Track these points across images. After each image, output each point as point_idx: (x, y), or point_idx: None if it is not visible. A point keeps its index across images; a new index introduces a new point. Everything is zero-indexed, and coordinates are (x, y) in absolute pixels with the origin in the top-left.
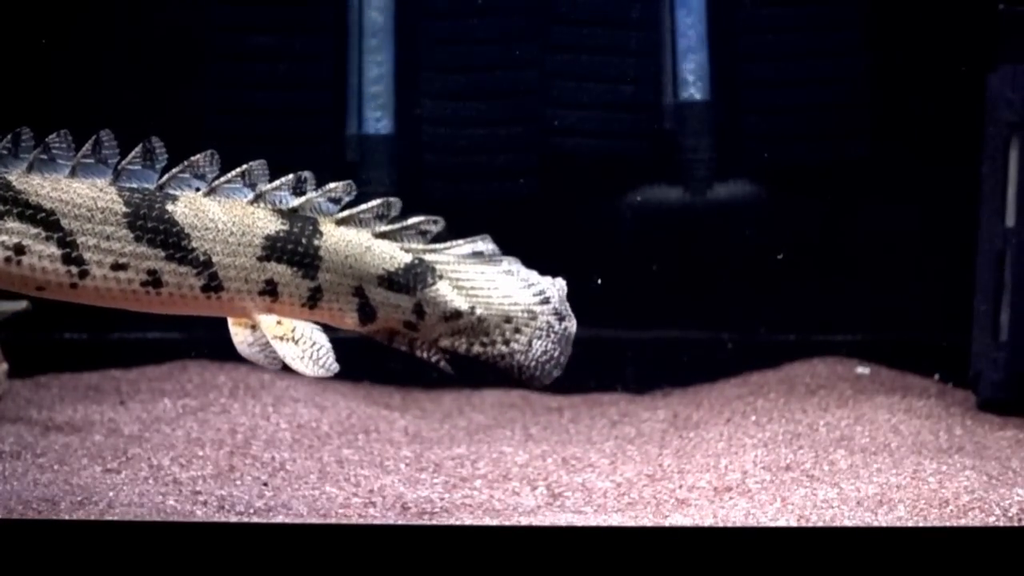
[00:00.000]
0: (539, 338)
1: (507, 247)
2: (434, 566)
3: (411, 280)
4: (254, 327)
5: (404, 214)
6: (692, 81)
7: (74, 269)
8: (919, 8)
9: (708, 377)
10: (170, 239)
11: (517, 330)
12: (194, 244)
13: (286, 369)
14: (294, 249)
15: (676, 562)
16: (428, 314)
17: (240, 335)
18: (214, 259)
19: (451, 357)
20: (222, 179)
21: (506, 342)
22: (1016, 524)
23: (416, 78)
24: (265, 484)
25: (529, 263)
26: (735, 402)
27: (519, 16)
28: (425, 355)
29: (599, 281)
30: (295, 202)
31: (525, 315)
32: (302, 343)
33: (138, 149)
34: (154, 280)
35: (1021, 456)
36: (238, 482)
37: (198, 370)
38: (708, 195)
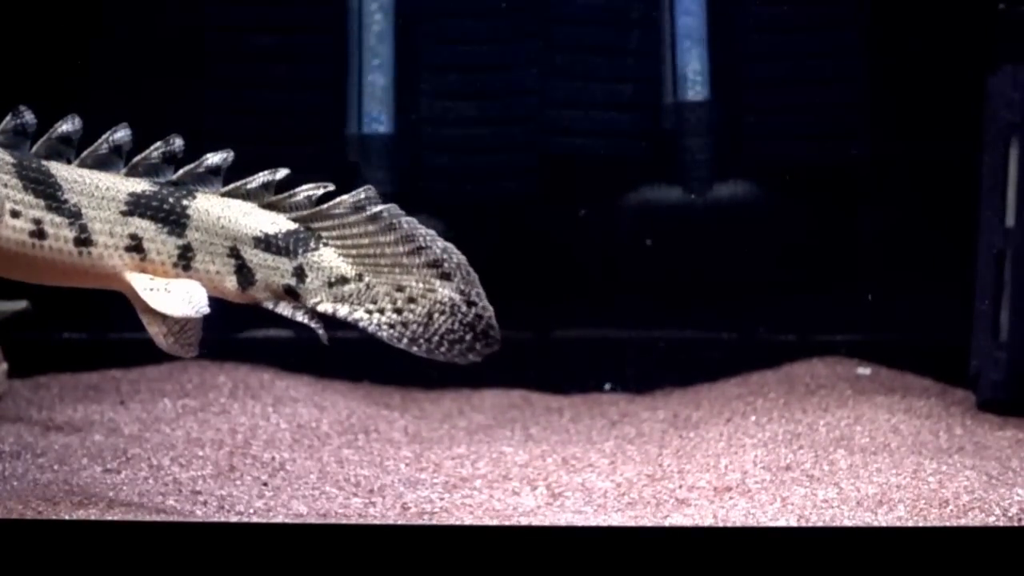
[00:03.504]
0: (441, 313)
1: (507, 247)
2: (434, 566)
3: (291, 243)
4: (165, 316)
5: (406, 213)
6: (692, 81)
7: None
8: (919, 8)
9: (708, 377)
10: (48, 189)
11: (412, 300)
12: (66, 196)
13: (207, 356)
14: (159, 206)
15: (676, 562)
16: (310, 278)
17: (154, 326)
18: (83, 211)
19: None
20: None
21: (398, 311)
22: (1016, 524)
23: (416, 78)
24: (265, 484)
25: (529, 263)
26: (735, 402)
27: (519, 16)
28: (304, 319)
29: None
30: (172, 176)
31: (421, 286)
32: (175, 292)
33: (61, 125)
34: (39, 231)
35: (1021, 456)
36: (238, 482)
37: (198, 370)
38: (708, 195)
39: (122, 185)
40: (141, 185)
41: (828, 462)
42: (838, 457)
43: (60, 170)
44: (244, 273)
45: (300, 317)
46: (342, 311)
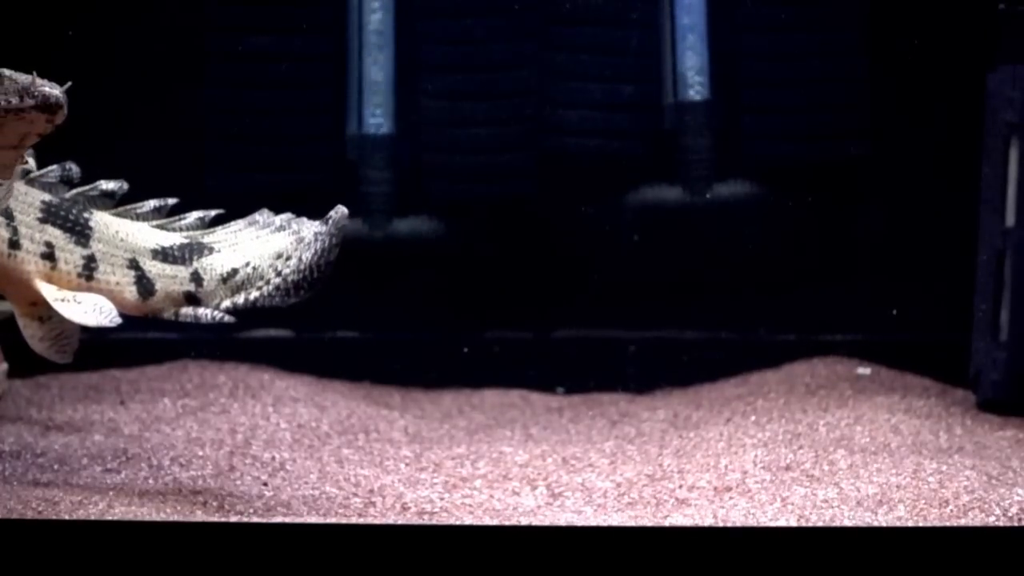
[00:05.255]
0: (307, 250)
1: (507, 247)
2: (434, 566)
3: (186, 253)
4: (42, 319)
5: (405, 214)
6: (692, 81)
7: None
8: (919, 8)
9: (708, 377)
10: None
11: (288, 258)
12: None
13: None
14: (66, 216)
15: (676, 562)
16: (206, 280)
17: (30, 328)
18: (15, 215)
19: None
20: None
21: (278, 273)
22: (1016, 524)
23: (416, 78)
24: (265, 484)
25: (529, 263)
26: (735, 402)
27: (519, 16)
28: (210, 318)
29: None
30: (67, 193)
31: (293, 243)
32: (84, 303)
33: None
34: None
35: (1021, 456)
36: (238, 482)
37: (198, 370)
38: (708, 195)
39: (36, 193)
40: (48, 195)
41: (828, 462)
42: (838, 457)
43: None
44: (144, 284)
45: (204, 320)
46: (240, 299)
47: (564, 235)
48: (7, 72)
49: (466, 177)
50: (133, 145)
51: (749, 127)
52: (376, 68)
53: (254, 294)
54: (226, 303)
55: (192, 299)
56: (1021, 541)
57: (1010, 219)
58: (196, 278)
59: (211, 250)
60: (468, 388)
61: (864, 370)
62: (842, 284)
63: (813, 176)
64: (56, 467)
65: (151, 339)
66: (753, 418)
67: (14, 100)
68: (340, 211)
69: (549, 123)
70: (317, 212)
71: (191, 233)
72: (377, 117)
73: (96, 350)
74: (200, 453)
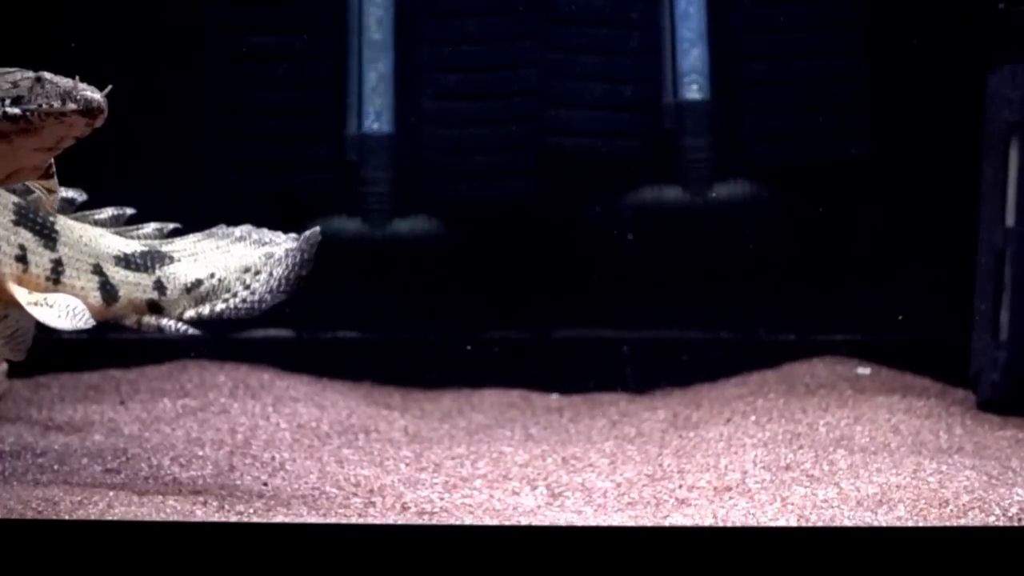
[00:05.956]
0: (278, 265)
1: (507, 246)
2: (434, 566)
3: (148, 260)
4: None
5: (405, 214)
6: (692, 81)
7: None
8: (919, 8)
9: (708, 377)
10: None
11: (257, 272)
12: None
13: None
14: (35, 219)
15: (676, 562)
16: (170, 289)
17: None
18: None
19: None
20: None
21: (247, 286)
22: (1016, 524)
23: (416, 78)
24: (265, 484)
25: (529, 262)
26: (735, 402)
27: (519, 16)
28: (174, 330)
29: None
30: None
31: (262, 258)
32: (57, 306)
33: None
34: None
35: (1021, 456)
36: (238, 482)
37: (198, 370)
38: (708, 195)
39: (7, 196)
40: (16, 198)
41: (828, 462)
42: (838, 457)
43: None
44: (108, 289)
45: (168, 330)
46: (205, 310)
47: (564, 235)
48: (48, 75)
49: (466, 177)
50: (132, 145)
51: (749, 127)
52: (376, 68)
53: (220, 306)
54: (190, 313)
55: (155, 307)
56: (1021, 541)
57: (1010, 219)
58: (159, 286)
59: (171, 259)
60: (468, 388)
61: (864, 370)
62: (842, 284)
63: (813, 176)
64: (56, 467)
65: (151, 339)
66: (753, 418)
67: (56, 104)
68: (314, 231)
69: (549, 123)
70: (317, 212)
71: (150, 242)
72: (377, 117)
73: (96, 350)
74: (200, 453)
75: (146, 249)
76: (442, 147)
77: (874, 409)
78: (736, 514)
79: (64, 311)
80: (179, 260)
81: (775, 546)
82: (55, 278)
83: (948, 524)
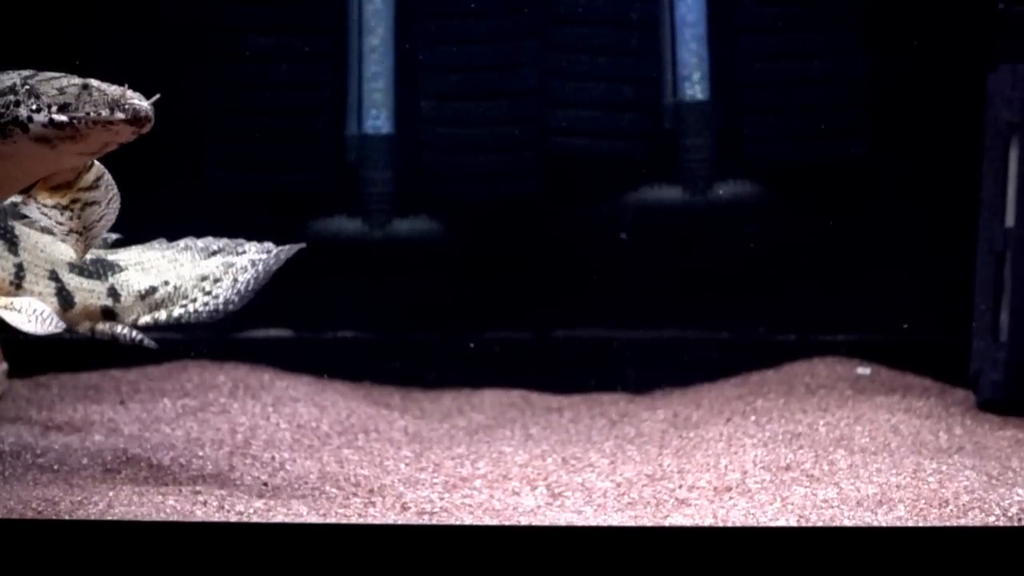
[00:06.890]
0: (243, 272)
1: (507, 247)
2: (434, 566)
3: (100, 268)
4: None
5: (405, 214)
6: (692, 81)
7: None
8: (919, 8)
9: (708, 377)
10: None
11: (217, 280)
12: None
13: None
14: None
15: (676, 562)
16: (124, 296)
17: None
18: None
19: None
20: None
21: (207, 292)
22: (1016, 524)
23: (416, 78)
24: (265, 484)
25: (529, 262)
26: (735, 402)
27: (519, 16)
28: (128, 339)
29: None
30: None
31: (222, 267)
32: (25, 310)
33: None
34: None
35: (1021, 456)
36: (238, 482)
37: (198, 370)
38: (708, 195)
39: None
40: None
41: (828, 462)
42: (838, 457)
43: None
44: (64, 295)
45: (123, 339)
46: (161, 316)
47: (564, 235)
48: (95, 83)
49: (466, 177)
50: (132, 145)
51: (749, 127)
52: (376, 68)
53: (178, 311)
54: (145, 319)
55: (109, 314)
56: (1021, 541)
57: (1010, 219)
58: (113, 293)
59: (120, 268)
60: (468, 388)
61: (864, 370)
62: (842, 284)
63: (813, 176)
64: (56, 467)
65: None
66: (753, 418)
67: (104, 112)
68: (295, 247)
69: (549, 123)
70: (316, 212)
71: (95, 251)
72: (377, 117)
73: (96, 350)
74: (200, 453)
75: (96, 257)
76: (442, 147)
77: (874, 409)
78: (736, 514)
79: (33, 315)
80: (127, 269)
81: (775, 546)
82: (18, 283)
83: (948, 524)
